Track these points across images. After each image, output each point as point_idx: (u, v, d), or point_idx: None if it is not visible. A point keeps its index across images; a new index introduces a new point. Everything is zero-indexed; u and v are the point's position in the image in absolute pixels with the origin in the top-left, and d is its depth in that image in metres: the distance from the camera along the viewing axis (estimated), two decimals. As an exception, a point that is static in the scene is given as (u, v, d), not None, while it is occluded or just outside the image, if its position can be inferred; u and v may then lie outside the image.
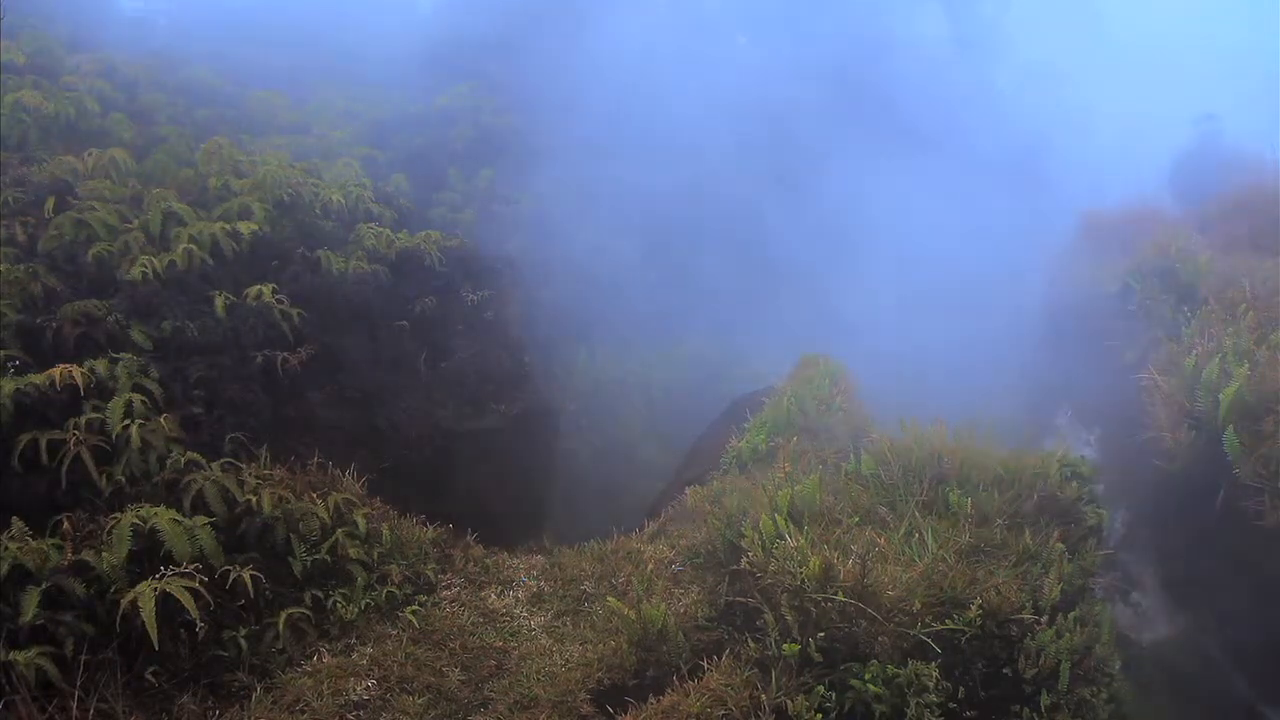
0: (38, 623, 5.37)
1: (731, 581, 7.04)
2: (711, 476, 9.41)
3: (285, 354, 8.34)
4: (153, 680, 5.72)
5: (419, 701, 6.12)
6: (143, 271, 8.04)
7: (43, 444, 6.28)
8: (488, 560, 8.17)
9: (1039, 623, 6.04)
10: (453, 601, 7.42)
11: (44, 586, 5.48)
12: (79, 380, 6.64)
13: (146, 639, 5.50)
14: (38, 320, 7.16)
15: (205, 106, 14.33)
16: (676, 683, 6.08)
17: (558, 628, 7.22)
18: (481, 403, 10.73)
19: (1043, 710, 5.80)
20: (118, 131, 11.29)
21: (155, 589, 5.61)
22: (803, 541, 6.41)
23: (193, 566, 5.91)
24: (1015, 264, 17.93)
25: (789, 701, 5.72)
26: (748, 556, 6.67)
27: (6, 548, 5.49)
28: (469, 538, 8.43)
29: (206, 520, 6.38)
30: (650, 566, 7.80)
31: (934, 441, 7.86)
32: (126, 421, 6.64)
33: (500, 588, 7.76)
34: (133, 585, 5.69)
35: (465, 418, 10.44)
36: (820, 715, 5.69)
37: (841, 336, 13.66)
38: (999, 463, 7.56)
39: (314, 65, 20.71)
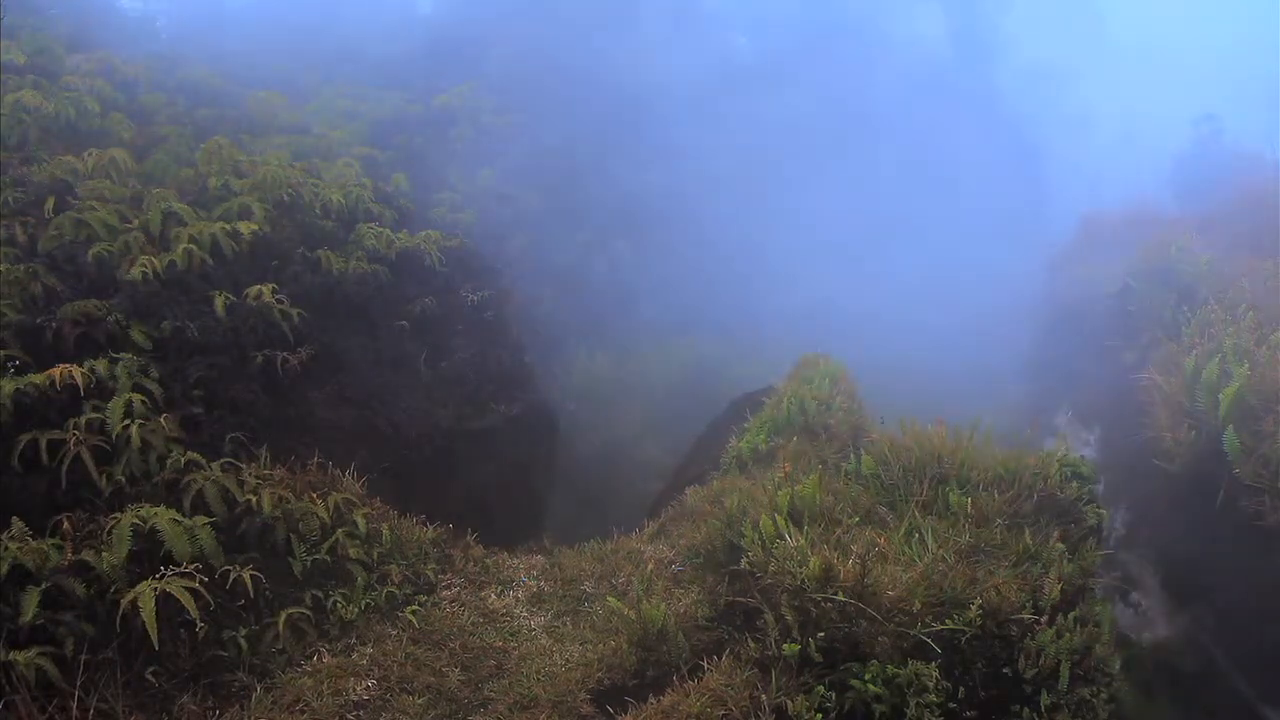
0: (38, 623, 5.37)
1: (731, 581, 7.04)
2: (711, 476, 9.41)
3: (285, 354, 8.34)
4: (153, 680, 5.72)
5: (419, 701, 6.12)
6: (143, 271, 8.03)
7: (43, 444, 6.28)
8: (488, 560, 8.17)
9: (1039, 623, 6.04)
10: (453, 601, 7.42)
11: (44, 586, 5.48)
12: (79, 380, 6.64)
13: (146, 639, 5.50)
14: (38, 320, 7.16)
15: (205, 106, 14.31)
16: (676, 683, 6.08)
17: (558, 628, 7.22)
18: (481, 403, 10.72)
19: (1043, 710, 5.80)
20: (118, 131, 11.29)
21: (155, 589, 5.61)
22: (803, 541, 6.41)
23: (193, 566, 5.92)
24: (1015, 264, 17.94)
25: (789, 701, 5.72)
26: (748, 556, 6.67)
27: (6, 548, 5.49)
28: (469, 538, 8.43)
29: (206, 520, 6.38)
30: (650, 566, 7.80)
31: (934, 441, 7.87)
32: (126, 421, 6.64)
33: (500, 588, 7.76)
34: (133, 585, 5.69)
35: (465, 418, 10.43)
36: (820, 715, 5.69)
37: (841, 336, 13.65)
38: (999, 463, 7.56)
39: (314, 65, 20.71)
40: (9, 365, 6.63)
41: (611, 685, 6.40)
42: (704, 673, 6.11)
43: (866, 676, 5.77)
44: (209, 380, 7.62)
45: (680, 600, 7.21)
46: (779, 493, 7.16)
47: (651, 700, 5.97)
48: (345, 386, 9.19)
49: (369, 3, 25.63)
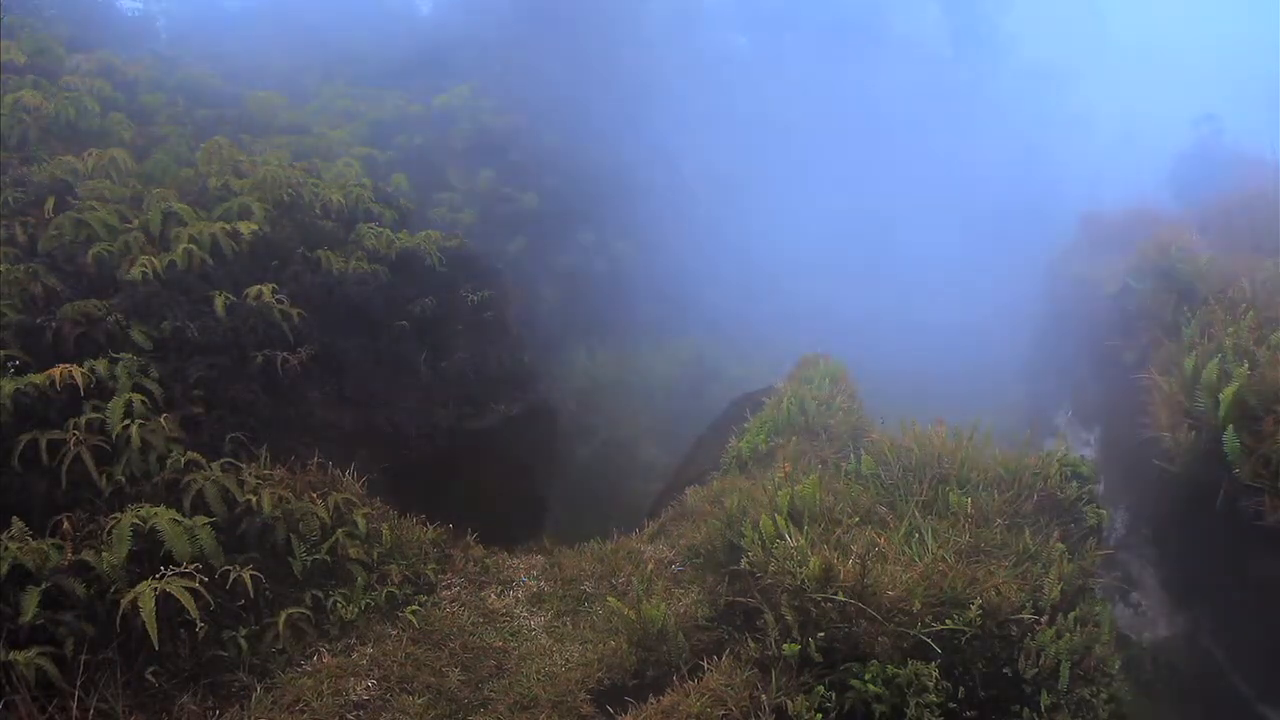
0: (38, 623, 5.37)
1: (731, 581, 7.04)
2: (711, 476, 9.41)
3: (285, 354, 8.33)
4: (153, 680, 5.72)
5: (419, 701, 6.12)
6: (143, 271, 8.03)
7: (43, 444, 6.27)
8: (488, 560, 8.17)
9: (1039, 623, 6.04)
10: (453, 601, 7.42)
11: (44, 586, 5.48)
12: (79, 380, 6.64)
13: (146, 639, 5.50)
14: (38, 320, 7.16)
15: (205, 106, 14.31)
16: (676, 683, 6.08)
17: (558, 628, 7.22)
18: (481, 403, 10.73)
19: (1043, 710, 5.80)
20: (118, 131, 11.28)
21: (155, 589, 5.61)
22: (803, 541, 6.41)
23: (193, 566, 5.91)
24: (1015, 264, 17.94)
25: (789, 701, 5.71)
26: (748, 556, 6.67)
27: (6, 548, 5.49)
28: (469, 538, 8.43)
29: (206, 520, 6.38)
30: (650, 566, 7.80)
31: (934, 441, 7.87)
32: (126, 421, 6.64)
33: (500, 588, 7.76)
34: (133, 585, 5.69)
35: (465, 418, 10.44)
36: (820, 715, 5.69)
37: (841, 336, 13.66)
38: (999, 463, 7.56)
39: (314, 65, 20.71)
40: (9, 365, 6.63)
41: (611, 685, 6.41)
42: (704, 673, 6.11)
43: (866, 676, 5.77)
44: (209, 380, 7.61)
45: (680, 600, 7.21)
46: (779, 493, 7.16)
47: (651, 700, 5.97)
48: (345, 386, 9.19)
49: (369, 3, 25.63)
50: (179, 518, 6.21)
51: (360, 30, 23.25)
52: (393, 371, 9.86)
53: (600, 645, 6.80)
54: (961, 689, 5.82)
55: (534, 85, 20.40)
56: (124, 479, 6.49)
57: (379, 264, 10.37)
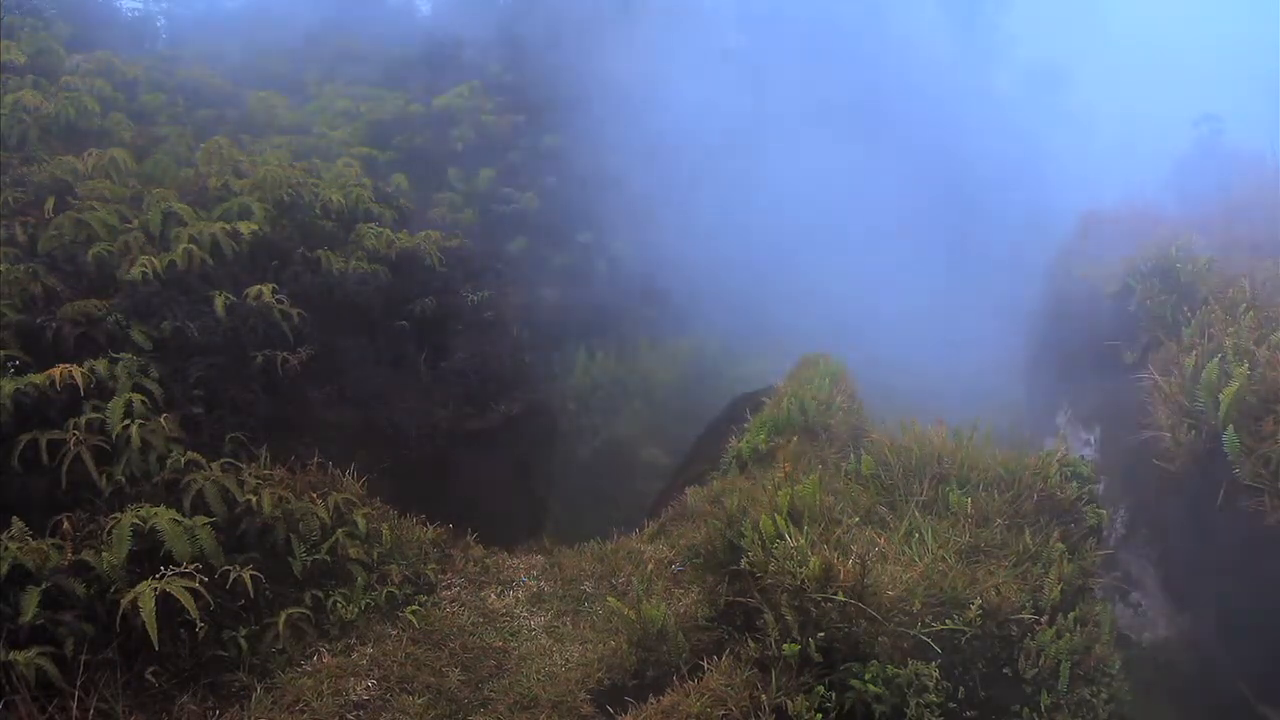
0: (38, 623, 5.36)
1: (731, 581, 7.04)
2: (711, 476, 9.41)
3: (285, 354, 8.33)
4: (153, 680, 5.72)
5: (419, 701, 6.12)
6: (143, 271, 8.03)
7: (43, 444, 6.27)
8: (488, 560, 8.17)
9: (1039, 623, 6.04)
10: (453, 601, 7.42)
11: (44, 586, 5.48)
12: (79, 380, 6.63)
13: (146, 639, 5.50)
14: (38, 320, 7.16)
15: (205, 106, 14.32)
16: (676, 683, 6.08)
17: (558, 628, 7.22)
18: (481, 403, 10.73)
19: (1043, 710, 5.80)
20: (118, 131, 11.29)
21: (155, 589, 5.61)
22: (803, 541, 6.41)
23: (193, 566, 5.91)
24: (1015, 264, 17.93)
25: (789, 701, 5.71)
26: (748, 556, 6.67)
27: (6, 548, 5.49)
28: (469, 538, 8.43)
29: (206, 520, 6.38)
30: (650, 566, 7.80)
31: (934, 441, 7.87)
32: (126, 421, 6.63)
33: (500, 588, 7.76)
34: (133, 585, 5.68)
35: (465, 418, 10.44)
36: (820, 715, 5.69)
37: (841, 336, 13.66)
38: (999, 463, 7.57)
39: (314, 65, 20.70)
40: (9, 365, 6.63)
41: (611, 685, 6.40)
42: (704, 673, 6.11)
43: (866, 676, 5.77)
44: (209, 380, 7.61)
45: (680, 600, 7.21)
46: (779, 493, 7.16)
47: (651, 700, 5.97)
48: (345, 386, 9.19)
49: (369, 3, 25.62)
50: (179, 518, 6.21)
51: (360, 30, 23.25)
52: (393, 371, 9.87)
53: (600, 645, 6.81)
54: (961, 689, 5.82)
55: (534, 85, 20.40)
56: (124, 479, 6.49)
57: (379, 264, 10.38)
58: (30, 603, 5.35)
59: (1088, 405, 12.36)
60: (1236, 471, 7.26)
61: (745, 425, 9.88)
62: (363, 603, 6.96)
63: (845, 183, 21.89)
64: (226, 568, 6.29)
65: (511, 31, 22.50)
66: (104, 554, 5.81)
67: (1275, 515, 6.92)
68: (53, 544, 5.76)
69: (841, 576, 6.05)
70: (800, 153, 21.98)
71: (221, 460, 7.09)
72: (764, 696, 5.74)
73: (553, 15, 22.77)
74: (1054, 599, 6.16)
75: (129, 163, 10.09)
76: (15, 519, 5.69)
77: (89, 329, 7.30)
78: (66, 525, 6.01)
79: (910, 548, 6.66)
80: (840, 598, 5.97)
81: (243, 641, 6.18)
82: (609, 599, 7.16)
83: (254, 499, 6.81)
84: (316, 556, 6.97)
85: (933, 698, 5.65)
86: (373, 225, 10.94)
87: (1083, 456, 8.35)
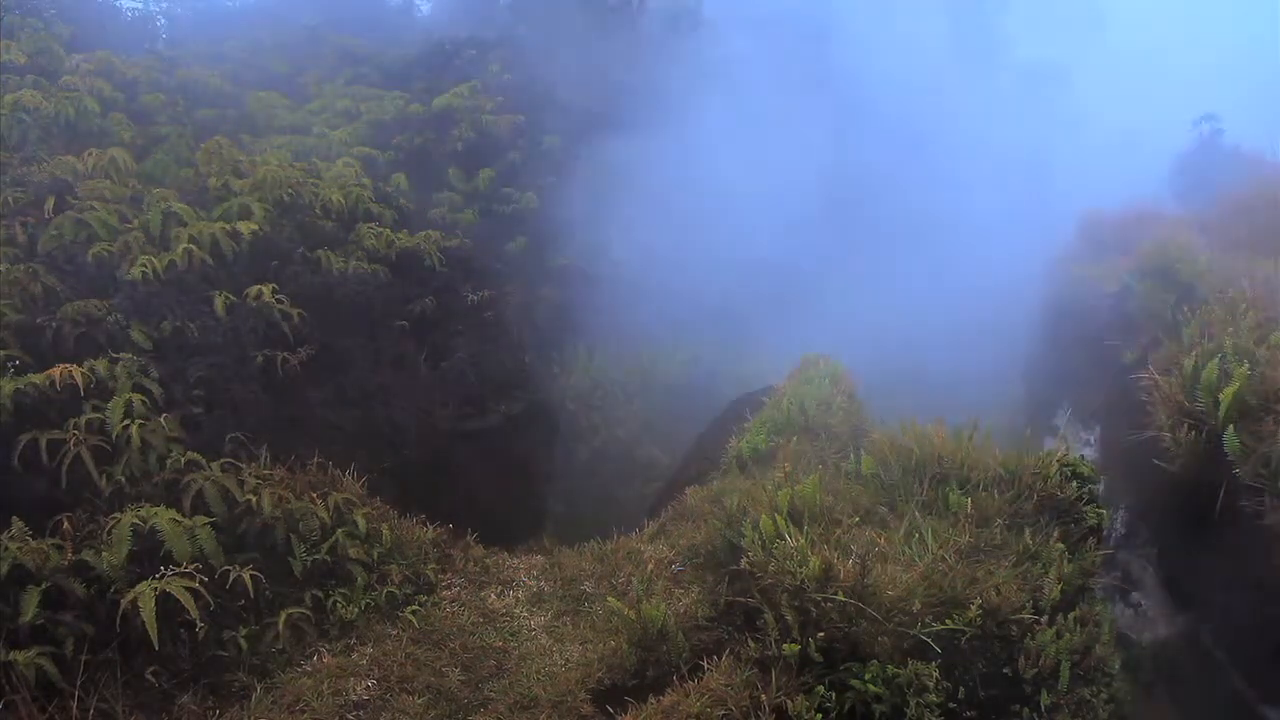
0: (38, 623, 5.37)
1: (731, 581, 7.04)
2: (711, 476, 9.41)
3: (285, 354, 8.34)
4: (153, 680, 5.73)
5: (419, 701, 6.12)
6: (143, 271, 8.03)
7: (43, 444, 6.27)
8: (488, 560, 8.17)
9: (1039, 623, 6.04)
10: (453, 601, 7.42)
11: (44, 586, 5.49)
12: (79, 380, 6.64)
13: (146, 639, 5.50)
14: (38, 320, 7.16)
15: (205, 106, 14.32)
16: (676, 683, 6.08)
17: (558, 628, 7.22)
18: (481, 403, 10.73)
19: (1043, 710, 5.80)
20: (118, 131, 11.28)
21: (155, 589, 5.61)
22: (803, 541, 6.41)
23: (193, 566, 5.92)
24: (1016, 264, 17.92)
25: (789, 701, 5.72)
26: (748, 556, 6.67)
27: (6, 548, 5.49)
28: (469, 538, 8.43)
29: (206, 520, 6.38)
30: (650, 566, 7.80)
31: (934, 441, 7.86)
32: (126, 421, 6.63)
33: (500, 588, 7.76)
34: (133, 585, 5.69)
35: (465, 418, 10.44)
36: (820, 715, 5.69)
37: (841, 336, 13.65)
38: (999, 463, 7.55)
39: (314, 65, 20.70)
40: (9, 365, 6.63)
41: (611, 685, 6.41)
42: (704, 673, 6.11)
43: (866, 676, 5.77)
44: (209, 380, 7.61)
45: (680, 600, 7.21)
46: (779, 493, 7.16)
47: (651, 700, 5.97)
48: (345, 386, 9.19)
49: (369, 3, 25.63)
50: (179, 518, 6.21)
51: (360, 30, 23.26)
52: (393, 371, 9.87)
53: (600, 645, 6.81)
54: (961, 689, 5.82)
55: (534, 85, 20.40)
56: (124, 479, 6.49)
57: (379, 264, 10.38)
58: (30, 603, 5.35)
59: (1088, 405, 12.35)
60: (1236, 471, 7.26)
61: (745, 425, 9.87)
62: (363, 603, 6.96)
63: (844, 182, 21.89)
64: (226, 568, 6.29)
65: (511, 31, 22.50)
66: (104, 554, 5.81)
67: (1275, 515, 6.91)
68: (53, 544, 5.76)
69: (841, 576, 6.05)
70: (800, 152, 21.98)
71: (221, 460, 7.09)
72: (764, 696, 5.74)
73: (553, 15, 22.78)
74: (1054, 599, 6.15)
75: (129, 163, 10.09)
76: (15, 519, 5.70)
77: (89, 329, 7.30)
78: (66, 525, 6.01)
79: (910, 548, 6.66)
80: (840, 598, 5.97)
81: (243, 641, 6.18)
82: (609, 599, 7.16)
83: (254, 499, 6.81)
84: (316, 556, 6.98)
85: (933, 698, 5.65)
86: (373, 225, 10.93)
87: (1083, 456, 8.32)
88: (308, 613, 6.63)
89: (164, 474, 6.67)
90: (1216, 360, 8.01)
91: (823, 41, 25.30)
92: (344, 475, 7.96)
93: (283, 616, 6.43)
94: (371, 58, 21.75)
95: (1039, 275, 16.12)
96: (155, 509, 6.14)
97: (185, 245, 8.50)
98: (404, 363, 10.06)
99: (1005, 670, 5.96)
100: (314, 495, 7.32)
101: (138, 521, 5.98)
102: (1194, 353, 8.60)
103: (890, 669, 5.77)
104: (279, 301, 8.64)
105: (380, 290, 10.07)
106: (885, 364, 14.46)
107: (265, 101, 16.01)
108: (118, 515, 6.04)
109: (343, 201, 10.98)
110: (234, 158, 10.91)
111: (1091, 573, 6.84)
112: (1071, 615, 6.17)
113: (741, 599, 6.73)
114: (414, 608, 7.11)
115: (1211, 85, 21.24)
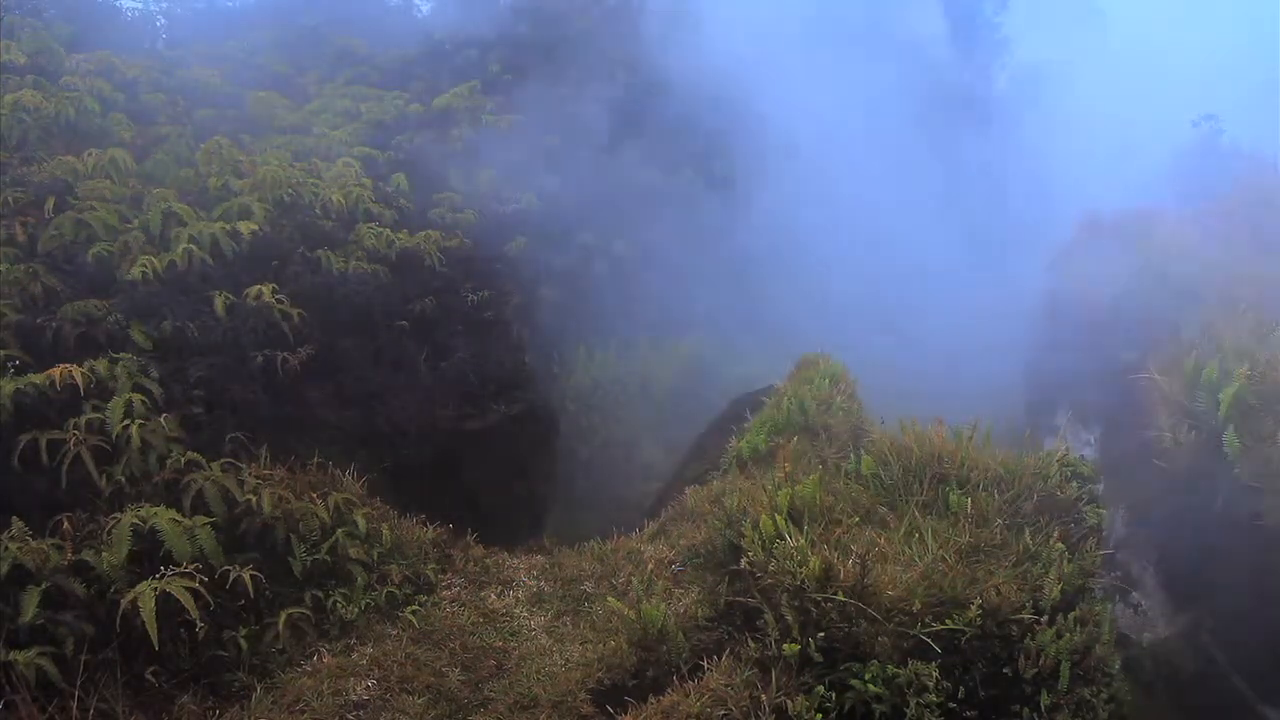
0: (38, 623, 5.37)
1: (731, 581, 7.04)
2: (711, 476, 9.41)
3: (285, 354, 8.33)
4: (153, 680, 5.73)
5: (419, 701, 6.12)
6: (143, 271, 8.03)
7: (43, 444, 6.27)
8: (488, 560, 8.17)
9: (1039, 623, 6.03)
10: (453, 601, 7.42)
11: (44, 586, 5.48)
12: (79, 380, 6.64)
13: (146, 639, 5.50)
14: (38, 320, 7.16)
15: (205, 106, 14.29)
16: (676, 683, 6.08)
17: (558, 628, 7.22)
18: (481, 403, 10.72)
19: (1043, 710, 5.80)
20: (118, 131, 11.27)
21: (155, 589, 5.61)
22: (803, 541, 6.41)
23: (193, 566, 5.92)
24: (1015, 264, 17.93)
25: (789, 701, 5.71)
26: (748, 556, 6.67)
27: (6, 548, 5.49)
28: (469, 538, 8.43)
29: (206, 520, 6.38)
30: (650, 566, 7.80)
31: (934, 441, 7.86)
32: (126, 421, 6.63)
33: (500, 588, 7.76)
34: (133, 585, 5.69)
35: (465, 418, 10.44)
36: (820, 715, 5.69)
37: (841, 336, 13.65)
38: (999, 463, 7.55)
39: (314, 65, 20.69)
40: (9, 365, 6.63)
41: (611, 685, 6.40)
42: (704, 673, 6.11)
43: (866, 676, 5.77)
44: (209, 380, 7.61)
45: (680, 600, 7.20)
46: (779, 493, 7.16)
47: (651, 700, 5.97)
48: (345, 386, 9.19)
49: (369, 3, 25.61)
50: (179, 518, 6.21)
51: (360, 30, 23.24)
52: (393, 371, 9.87)
53: (600, 645, 6.80)
54: (961, 689, 5.82)
55: (534, 85, 20.39)
56: (124, 479, 6.49)
57: (379, 264, 10.38)
58: (30, 603, 5.35)
59: (1088, 405, 12.35)
60: (1236, 471, 7.27)
61: (745, 425, 9.87)
62: (363, 603, 6.96)
63: (843, 182, 21.89)
64: (226, 568, 6.29)
65: (512, 31, 22.49)
66: (104, 554, 5.81)
67: (1275, 515, 6.92)
68: (53, 544, 5.76)
69: (841, 576, 6.05)
70: (800, 152, 21.99)
71: (221, 460, 7.09)
72: (764, 696, 5.74)
73: (553, 15, 22.77)
74: (1054, 599, 6.15)
75: (129, 163, 10.08)
76: (15, 519, 5.70)
77: (89, 329, 7.31)
78: (66, 525, 6.01)
79: (910, 548, 6.66)
80: (840, 598, 5.97)
81: (243, 641, 6.18)
82: (609, 599, 7.16)
83: (254, 499, 6.81)
84: (316, 556, 6.98)
85: (933, 698, 5.65)
86: (373, 225, 10.93)
87: (1083, 456, 8.33)
88: (308, 613, 6.63)
89: (164, 474, 6.67)
90: (1216, 360, 8.02)
91: (822, 41, 25.28)
92: (344, 475, 7.96)
93: (283, 616, 6.43)
94: (371, 58, 21.73)
95: (1039, 275, 16.12)
96: (155, 509, 6.15)
97: (185, 245, 8.51)
98: (404, 363, 10.06)
99: (1005, 670, 5.95)
100: (314, 495, 7.33)
101: (138, 521, 5.98)
102: (1194, 353, 8.61)
103: (890, 669, 5.77)
104: (279, 301, 8.64)
105: (380, 290, 10.07)
106: (886, 364, 14.47)
107: (265, 101, 15.99)
108: (118, 515, 6.04)
109: (343, 201, 10.98)
110: (234, 158, 10.91)
111: (1091, 573, 6.83)
112: (1071, 615, 6.16)
113: (741, 599, 6.73)
114: (414, 608, 7.11)
115: (1211, 85, 21.24)
